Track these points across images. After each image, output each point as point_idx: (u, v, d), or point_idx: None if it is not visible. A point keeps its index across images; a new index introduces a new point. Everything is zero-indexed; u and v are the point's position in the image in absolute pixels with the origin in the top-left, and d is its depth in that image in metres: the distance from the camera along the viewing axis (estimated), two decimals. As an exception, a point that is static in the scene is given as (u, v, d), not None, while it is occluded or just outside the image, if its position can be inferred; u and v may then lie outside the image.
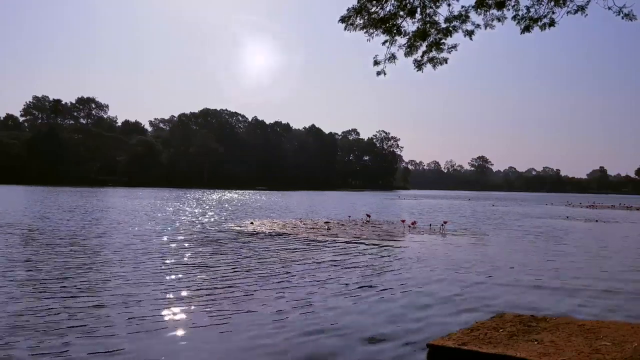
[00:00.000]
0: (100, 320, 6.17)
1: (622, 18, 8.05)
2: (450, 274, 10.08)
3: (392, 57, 8.92)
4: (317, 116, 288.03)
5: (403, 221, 22.22)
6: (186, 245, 13.58)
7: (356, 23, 8.52)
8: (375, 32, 8.56)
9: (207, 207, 34.35)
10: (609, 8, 7.97)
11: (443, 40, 8.66)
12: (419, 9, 8.41)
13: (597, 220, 29.07)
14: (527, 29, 8.64)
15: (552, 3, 8.41)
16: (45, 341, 5.36)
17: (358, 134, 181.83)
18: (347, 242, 15.11)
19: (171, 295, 7.57)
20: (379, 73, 9.11)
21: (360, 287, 8.58)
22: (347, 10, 8.47)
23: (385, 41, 8.73)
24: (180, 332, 5.83)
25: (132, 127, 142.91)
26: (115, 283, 8.34)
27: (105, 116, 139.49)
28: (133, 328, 5.91)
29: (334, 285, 8.71)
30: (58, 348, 5.18)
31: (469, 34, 8.60)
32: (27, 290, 7.65)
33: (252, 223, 21.17)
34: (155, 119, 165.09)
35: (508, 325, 5.72)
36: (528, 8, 8.57)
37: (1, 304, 6.81)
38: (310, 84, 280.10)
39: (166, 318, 6.38)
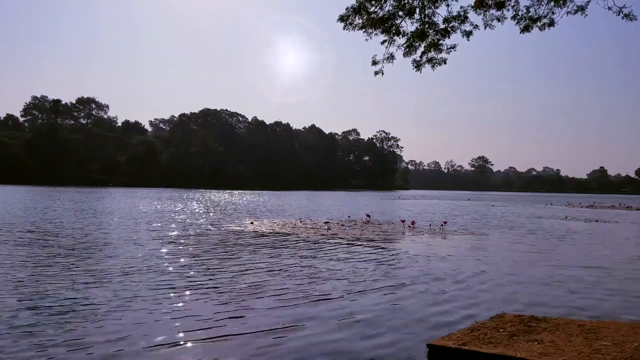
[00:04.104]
0: (99, 321, 6.16)
1: (622, 18, 8.06)
2: (450, 274, 10.07)
3: (391, 57, 8.93)
4: (317, 116, 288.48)
5: (403, 221, 22.22)
6: (186, 245, 13.56)
7: (355, 22, 8.53)
8: (374, 32, 8.57)
9: (207, 207, 34.34)
10: (609, 8, 7.98)
11: (441, 41, 8.67)
12: (417, 9, 8.42)
13: (597, 220, 29.07)
14: (526, 28, 8.65)
15: (552, 3, 8.42)
16: (40, 345, 5.35)
17: (358, 134, 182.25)
18: (346, 242, 15.10)
19: (171, 297, 7.54)
20: (376, 73, 9.12)
21: (360, 287, 8.56)
22: (346, 9, 8.48)
23: (384, 41, 8.74)
24: (180, 334, 5.81)
25: (132, 127, 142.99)
26: (114, 283, 8.33)
27: (105, 116, 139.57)
28: (132, 329, 5.90)
29: (333, 285, 8.69)
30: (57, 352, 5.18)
31: (467, 34, 8.60)
32: (28, 291, 7.66)
33: (252, 223, 21.16)
34: (155, 119, 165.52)
35: (508, 325, 5.72)
36: (528, 8, 8.59)
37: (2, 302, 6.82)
38: (311, 84, 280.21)
39: (165, 320, 6.35)
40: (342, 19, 8.56)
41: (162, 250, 12.33)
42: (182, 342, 5.44)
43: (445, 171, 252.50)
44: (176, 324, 6.11)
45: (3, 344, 5.23)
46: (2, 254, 11.19)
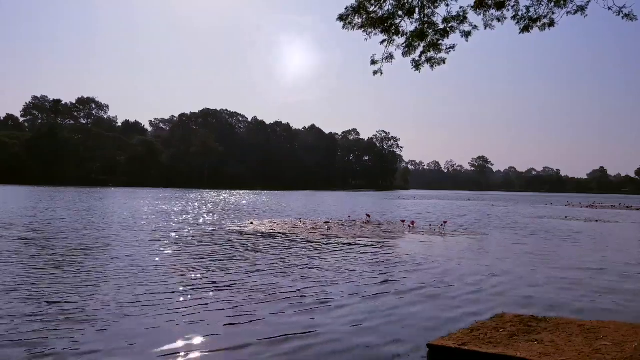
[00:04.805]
0: (101, 327, 6.13)
1: (623, 18, 8.05)
2: (450, 274, 10.06)
3: (390, 57, 8.91)
4: (317, 116, 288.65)
5: (403, 221, 22.21)
6: (186, 247, 13.56)
7: (354, 22, 8.52)
8: (374, 32, 8.55)
9: (207, 207, 34.34)
10: (609, 8, 7.97)
11: (441, 41, 8.66)
12: (417, 9, 8.41)
13: (597, 220, 29.07)
14: (526, 29, 8.64)
15: (552, 4, 8.41)
16: (41, 347, 5.33)
17: (358, 134, 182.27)
18: (346, 242, 15.09)
19: (174, 302, 7.45)
20: (375, 72, 9.11)
21: (360, 287, 8.56)
22: (346, 9, 8.47)
23: (383, 41, 8.73)
24: (184, 343, 5.75)
25: (132, 127, 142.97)
26: (115, 286, 8.31)
27: (105, 116, 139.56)
28: (135, 336, 5.87)
29: (332, 284, 8.69)
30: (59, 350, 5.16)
31: (466, 35, 8.60)
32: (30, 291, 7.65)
33: (252, 223, 21.16)
34: (155, 119, 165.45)
35: (508, 325, 5.71)
36: (528, 8, 8.57)
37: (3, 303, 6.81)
38: (311, 84, 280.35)
39: (168, 327, 6.27)
40: (341, 18, 8.55)
41: (163, 252, 12.33)
42: (186, 352, 5.23)
43: (445, 171, 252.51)
44: (180, 331, 5.89)
45: (2, 353, 5.06)
46: (1, 256, 11.18)
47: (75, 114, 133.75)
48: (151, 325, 6.04)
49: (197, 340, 5.57)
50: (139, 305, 6.90)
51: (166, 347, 5.30)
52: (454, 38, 8.92)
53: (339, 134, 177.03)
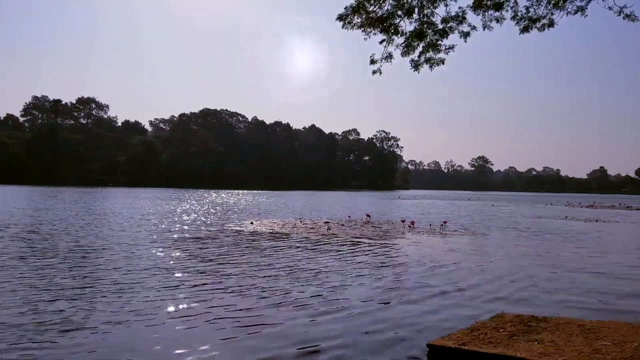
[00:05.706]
0: (100, 334, 6.10)
1: (623, 18, 8.05)
2: (450, 274, 10.05)
3: (389, 57, 8.91)
4: (317, 116, 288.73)
5: (403, 221, 22.21)
6: (186, 247, 13.55)
7: (354, 22, 8.53)
8: (373, 32, 8.56)
9: (207, 207, 34.32)
10: (610, 8, 7.97)
11: (440, 41, 8.66)
12: (416, 9, 8.41)
13: (597, 220, 29.06)
14: (526, 29, 8.64)
15: (551, 5, 8.41)
16: (42, 344, 5.32)
17: (358, 134, 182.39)
18: (346, 242, 15.08)
19: (174, 302, 7.43)
20: (374, 72, 9.11)
21: (360, 288, 8.56)
22: (345, 8, 8.47)
23: (383, 40, 8.73)
24: (184, 342, 5.73)
25: (132, 127, 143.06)
26: (113, 286, 8.29)
27: (105, 116, 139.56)
28: (133, 337, 5.85)
29: (332, 284, 8.68)
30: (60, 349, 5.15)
31: (465, 35, 8.60)
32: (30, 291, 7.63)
33: (252, 223, 21.15)
34: (155, 119, 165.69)
35: (508, 325, 5.71)
36: (527, 9, 8.58)
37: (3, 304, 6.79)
38: (311, 84, 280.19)
39: (168, 327, 6.25)
40: (341, 18, 8.55)
41: (164, 254, 12.30)
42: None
43: (445, 171, 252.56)
44: (185, 339, 5.60)
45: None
46: None
47: (75, 114, 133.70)
48: (154, 333, 5.81)
49: (205, 349, 5.31)
50: (141, 310, 6.70)
51: (172, 358, 5.06)
52: (453, 38, 8.92)
53: (339, 134, 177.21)
